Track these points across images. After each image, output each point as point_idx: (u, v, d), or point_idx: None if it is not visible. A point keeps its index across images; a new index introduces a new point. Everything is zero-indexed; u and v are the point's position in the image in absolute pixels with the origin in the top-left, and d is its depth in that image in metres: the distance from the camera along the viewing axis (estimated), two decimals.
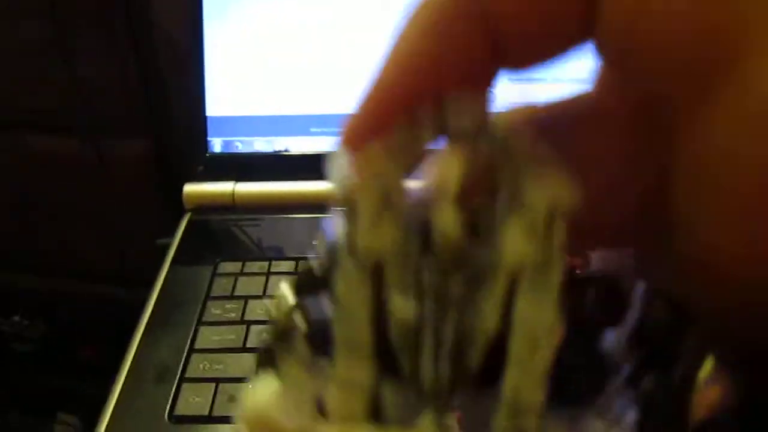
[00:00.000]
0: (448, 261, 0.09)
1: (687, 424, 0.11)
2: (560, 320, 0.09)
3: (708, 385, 0.11)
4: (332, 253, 0.10)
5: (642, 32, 0.10)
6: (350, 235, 0.10)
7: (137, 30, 0.63)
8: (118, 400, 0.44)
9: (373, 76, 0.11)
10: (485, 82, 0.11)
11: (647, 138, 0.12)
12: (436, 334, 0.09)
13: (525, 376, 0.09)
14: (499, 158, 0.10)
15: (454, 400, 0.09)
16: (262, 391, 0.10)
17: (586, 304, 0.11)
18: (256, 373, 0.11)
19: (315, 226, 0.56)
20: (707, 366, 0.11)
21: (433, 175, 0.10)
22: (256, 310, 0.49)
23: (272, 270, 0.52)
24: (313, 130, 0.59)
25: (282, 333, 0.10)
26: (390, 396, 0.09)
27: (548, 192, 0.10)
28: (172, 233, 0.56)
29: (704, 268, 0.11)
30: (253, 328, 0.47)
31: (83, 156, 0.65)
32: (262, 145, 0.60)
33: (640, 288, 0.11)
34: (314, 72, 0.59)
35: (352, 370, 0.09)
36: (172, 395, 0.43)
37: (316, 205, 0.57)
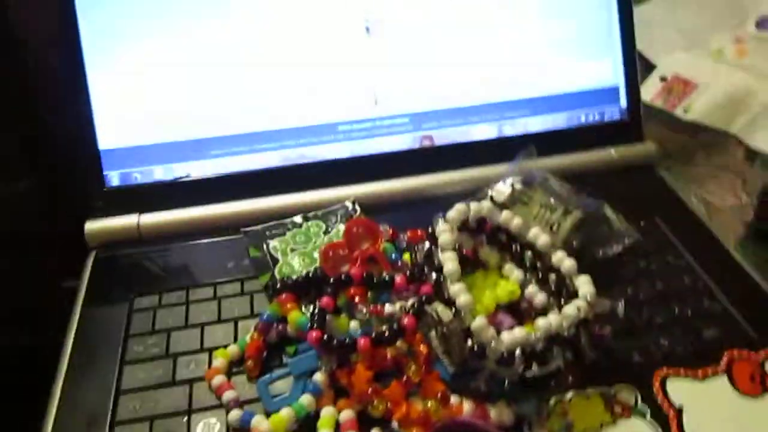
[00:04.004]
0: None
1: None
2: None
3: None
4: None
5: None
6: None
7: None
8: None
9: None
10: None
11: None
12: None
13: None
14: None
15: None
16: None
17: None
18: None
19: (226, 248, 0.56)
20: None
21: None
22: (181, 340, 0.48)
23: (191, 299, 0.51)
24: (214, 152, 0.59)
25: None
26: None
27: None
28: (77, 274, 0.55)
29: None
30: (181, 359, 0.47)
31: None
32: (161, 173, 0.59)
33: None
34: (208, 94, 0.58)
35: None
36: None
37: (224, 226, 0.58)
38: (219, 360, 0.46)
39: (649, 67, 0.88)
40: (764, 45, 0.90)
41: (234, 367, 0.46)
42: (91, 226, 0.57)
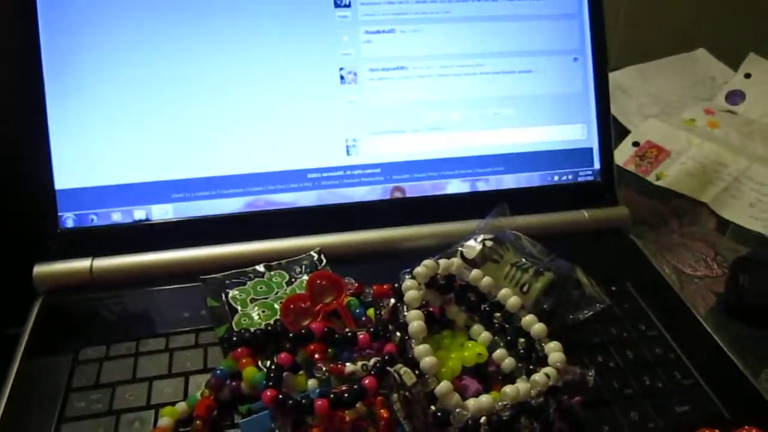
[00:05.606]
0: None
1: None
2: None
3: None
4: None
5: None
6: None
7: None
8: None
9: None
10: None
11: None
12: None
13: None
14: None
15: None
16: None
17: None
18: None
19: (183, 296, 0.54)
20: None
21: None
22: (126, 396, 0.45)
23: (141, 350, 0.48)
24: (175, 196, 0.57)
25: None
26: None
27: None
28: (23, 321, 0.51)
29: None
30: (124, 417, 0.44)
31: None
32: (119, 215, 0.56)
33: None
34: (172, 135, 0.57)
35: None
36: None
37: (183, 273, 0.55)
38: (165, 419, 0.43)
39: (622, 132, 0.89)
40: (734, 118, 0.92)
41: (181, 426, 0.43)
42: (41, 269, 0.54)
